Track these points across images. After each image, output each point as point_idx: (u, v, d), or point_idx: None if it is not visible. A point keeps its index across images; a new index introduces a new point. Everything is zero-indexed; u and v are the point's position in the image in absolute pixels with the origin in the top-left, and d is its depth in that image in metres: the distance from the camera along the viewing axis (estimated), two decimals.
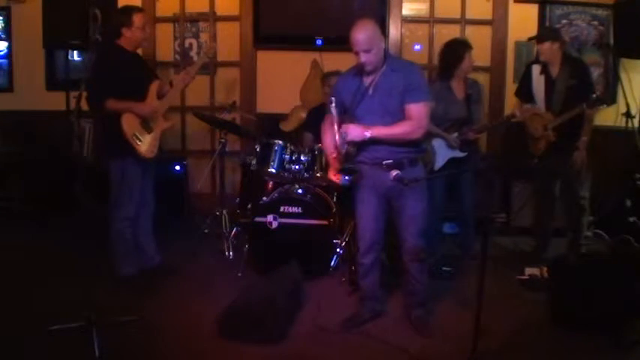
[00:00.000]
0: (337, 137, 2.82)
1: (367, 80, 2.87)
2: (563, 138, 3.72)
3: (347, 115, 2.96)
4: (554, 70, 3.79)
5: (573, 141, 3.74)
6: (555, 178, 3.98)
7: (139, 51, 3.68)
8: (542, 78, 3.84)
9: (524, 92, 3.98)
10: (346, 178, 2.88)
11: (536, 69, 3.90)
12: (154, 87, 3.51)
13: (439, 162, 3.84)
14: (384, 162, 2.84)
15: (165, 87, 3.62)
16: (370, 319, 3.13)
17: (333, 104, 2.82)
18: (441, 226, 4.35)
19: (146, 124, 3.44)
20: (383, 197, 2.96)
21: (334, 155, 2.91)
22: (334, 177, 2.96)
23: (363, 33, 2.75)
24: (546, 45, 3.74)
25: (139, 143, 3.37)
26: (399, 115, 2.82)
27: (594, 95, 3.61)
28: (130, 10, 3.45)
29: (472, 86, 3.92)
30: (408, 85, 2.80)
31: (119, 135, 3.30)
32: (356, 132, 2.79)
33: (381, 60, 2.84)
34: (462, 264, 3.91)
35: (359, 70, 2.89)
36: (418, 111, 2.80)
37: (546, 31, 3.99)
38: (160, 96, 3.56)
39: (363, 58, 2.77)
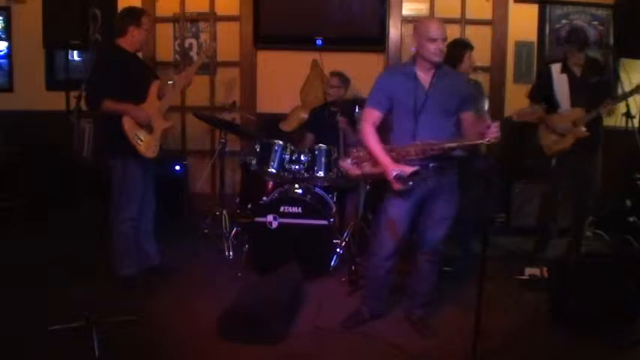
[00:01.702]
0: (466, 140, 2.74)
1: (425, 80, 2.84)
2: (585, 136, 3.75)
3: (398, 113, 2.88)
4: (578, 69, 3.81)
5: (594, 139, 3.78)
6: (572, 180, 3.97)
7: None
8: (563, 77, 3.85)
9: (542, 94, 3.96)
10: (410, 183, 2.75)
11: (555, 68, 3.90)
12: (154, 87, 3.51)
13: None
14: (430, 164, 2.81)
15: (166, 87, 3.62)
16: (370, 319, 3.12)
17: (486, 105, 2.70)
18: None
19: (147, 124, 3.44)
20: (415, 204, 2.89)
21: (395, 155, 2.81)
22: (396, 180, 2.73)
23: (442, 24, 2.82)
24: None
25: (141, 143, 3.37)
26: (454, 115, 2.84)
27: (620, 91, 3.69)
28: (139, 10, 3.50)
29: (473, 87, 3.92)
30: (464, 94, 2.86)
31: (121, 135, 3.30)
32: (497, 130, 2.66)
33: None
34: (462, 264, 3.91)
35: (406, 71, 2.88)
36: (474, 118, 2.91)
37: (582, 38, 3.89)
38: (160, 96, 3.57)
39: (441, 45, 2.77)
